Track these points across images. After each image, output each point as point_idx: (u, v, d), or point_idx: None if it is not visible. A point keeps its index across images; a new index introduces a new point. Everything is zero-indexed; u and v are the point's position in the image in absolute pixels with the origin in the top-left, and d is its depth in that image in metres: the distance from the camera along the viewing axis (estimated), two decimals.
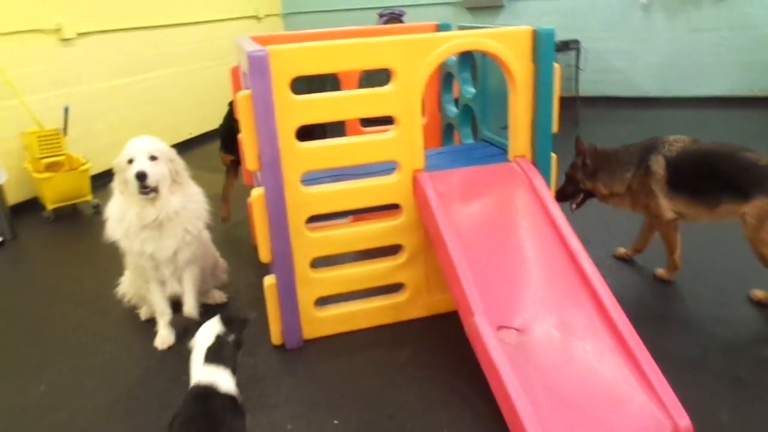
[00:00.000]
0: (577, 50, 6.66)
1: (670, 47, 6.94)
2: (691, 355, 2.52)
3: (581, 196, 3.17)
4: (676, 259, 3.06)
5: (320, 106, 2.48)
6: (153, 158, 2.56)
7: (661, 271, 3.13)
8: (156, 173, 2.55)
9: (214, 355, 1.90)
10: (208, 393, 1.83)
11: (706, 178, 2.76)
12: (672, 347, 2.58)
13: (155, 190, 2.56)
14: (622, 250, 3.37)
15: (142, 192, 2.54)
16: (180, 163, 2.70)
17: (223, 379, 1.86)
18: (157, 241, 2.60)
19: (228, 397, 1.84)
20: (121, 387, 2.53)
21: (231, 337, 1.99)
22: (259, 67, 2.32)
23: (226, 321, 2.00)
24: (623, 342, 2.20)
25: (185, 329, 1.99)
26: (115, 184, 2.66)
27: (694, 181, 2.80)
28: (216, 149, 4.46)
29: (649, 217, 3.06)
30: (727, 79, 6.84)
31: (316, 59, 2.42)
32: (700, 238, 3.39)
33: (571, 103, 6.71)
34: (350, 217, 3.11)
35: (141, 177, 2.52)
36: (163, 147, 2.64)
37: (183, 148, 6.35)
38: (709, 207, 2.78)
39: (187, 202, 2.68)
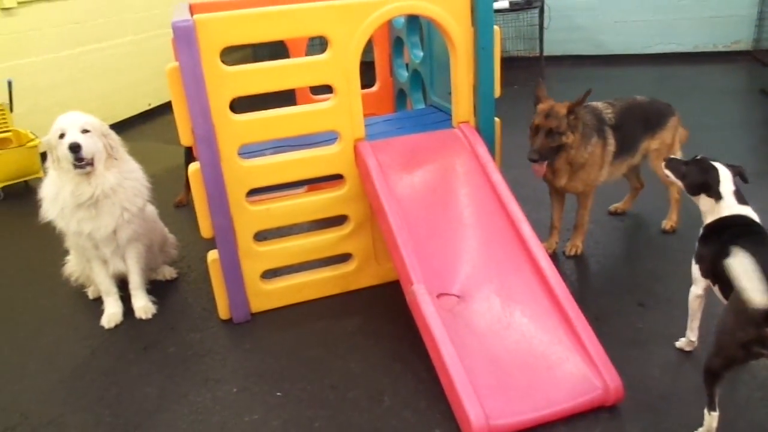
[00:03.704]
0: (541, 8, 6.57)
1: (633, 3, 6.88)
2: (631, 317, 2.57)
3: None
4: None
5: (253, 77, 2.42)
6: (85, 131, 2.50)
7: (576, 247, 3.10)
8: (90, 145, 2.48)
9: (741, 197, 2.13)
10: (752, 221, 2.08)
11: (633, 131, 2.99)
12: (612, 307, 2.62)
13: (90, 163, 2.50)
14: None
15: (77, 166, 2.48)
16: (115, 138, 2.64)
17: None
18: (94, 220, 2.55)
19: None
20: (65, 368, 2.52)
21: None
22: (185, 38, 2.24)
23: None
24: (559, 305, 2.22)
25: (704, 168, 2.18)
26: (49, 163, 2.59)
27: (629, 139, 2.96)
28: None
29: (582, 190, 2.93)
30: (691, 35, 6.82)
31: (245, 28, 2.34)
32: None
33: (535, 63, 6.66)
34: (306, 187, 3.08)
35: (75, 148, 2.45)
36: (95, 121, 2.57)
37: (142, 119, 6.26)
38: (630, 157, 3.03)
39: (124, 179, 2.62)
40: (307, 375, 2.37)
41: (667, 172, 2.26)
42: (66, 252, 3.05)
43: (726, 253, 1.85)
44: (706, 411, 1.84)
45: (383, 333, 2.58)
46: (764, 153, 4.27)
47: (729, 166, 2.16)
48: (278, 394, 2.27)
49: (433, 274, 2.33)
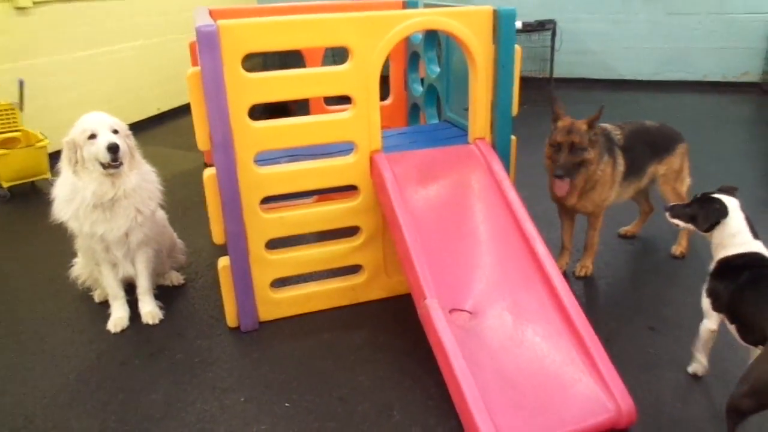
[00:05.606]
0: (553, 31, 6.61)
1: (647, 30, 6.93)
2: (641, 341, 2.55)
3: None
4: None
5: (273, 85, 2.42)
6: (115, 132, 2.52)
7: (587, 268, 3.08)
8: (123, 146, 2.50)
9: (754, 231, 2.12)
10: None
11: (641, 154, 3.00)
12: (622, 329, 2.61)
13: (122, 163, 2.51)
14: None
15: (112, 166, 2.48)
16: (133, 140, 2.64)
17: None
18: (108, 222, 2.54)
19: None
20: (70, 372, 2.48)
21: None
22: (208, 42, 2.24)
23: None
24: (572, 325, 2.21)
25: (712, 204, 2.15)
26: (65, 163, 2.56)
27: (638, 161, 2.97)
28: (188, 125, 4.35)
29: (592, 210, 2.92)
30: (701, 64, 6.87)
31: (268, 36, 2.35)
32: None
33: (544, 84, 6.69)
34: (315, 197, 3.08)
35: (114, 149, 2.45)
36: (120, 122, 2.59)
37: (150, 124, 6.25)
38: (638, 180, 3.03)
39: (143, 181, 2.62)
40: (315, 386, 2.34)
41: (675, 221, 2.24)
42: (73, 254, 3.03)
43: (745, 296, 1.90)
44: None
45: (391, 347, 2.55)
46: None
47: (724, 191, 2.17)
48: (286, 404, 2.24)
49: (446, 289, 2.32)
